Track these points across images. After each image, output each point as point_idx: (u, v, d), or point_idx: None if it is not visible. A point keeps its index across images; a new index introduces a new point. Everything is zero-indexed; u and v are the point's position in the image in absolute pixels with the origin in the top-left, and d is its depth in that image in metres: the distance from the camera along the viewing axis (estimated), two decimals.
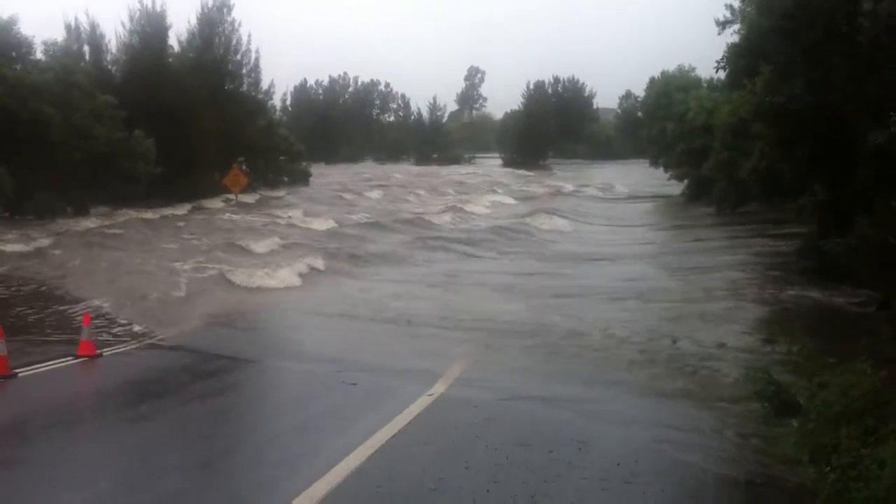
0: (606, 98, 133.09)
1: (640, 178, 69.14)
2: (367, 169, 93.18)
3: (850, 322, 14.55)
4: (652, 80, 65.47)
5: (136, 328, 14.79)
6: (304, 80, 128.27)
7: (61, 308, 16.67)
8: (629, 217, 42.15)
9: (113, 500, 7.27)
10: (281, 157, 57.28)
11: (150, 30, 44.26)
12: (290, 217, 35.61)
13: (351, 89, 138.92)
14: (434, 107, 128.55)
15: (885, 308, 14.59)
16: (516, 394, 10.69)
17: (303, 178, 59.49)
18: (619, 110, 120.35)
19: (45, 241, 25.39)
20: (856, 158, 15.71)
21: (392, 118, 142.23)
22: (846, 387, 8.78)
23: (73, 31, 43.39)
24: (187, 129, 41.08)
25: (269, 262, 22.57)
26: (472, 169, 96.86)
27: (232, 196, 41.40)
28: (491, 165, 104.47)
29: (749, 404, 9.78)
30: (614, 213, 44.55)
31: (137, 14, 44.12)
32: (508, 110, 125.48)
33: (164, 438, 8.91)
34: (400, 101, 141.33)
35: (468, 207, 43.33)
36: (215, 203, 40.71)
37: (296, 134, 64.50)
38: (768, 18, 15.89)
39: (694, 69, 56.81)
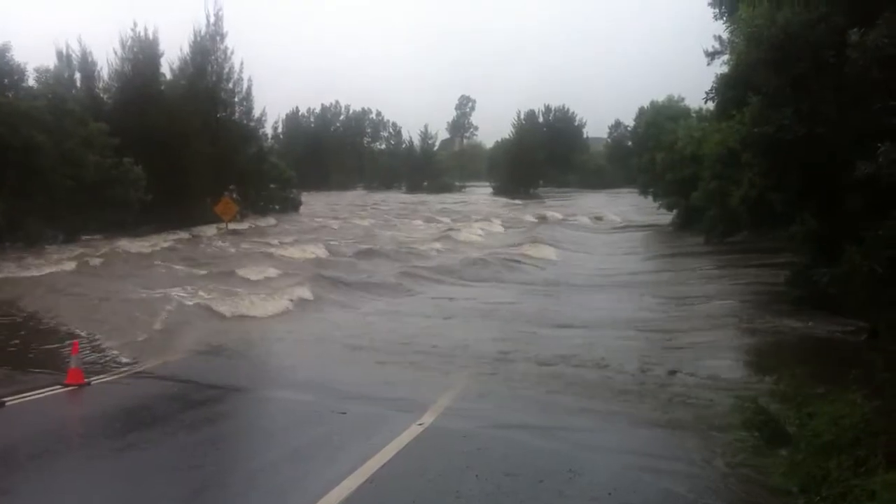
0: (596, 128, 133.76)
1: (630, 207, 69.39)
2: (358, 197, 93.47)
3: (841, 352, 14.58)
4: (641, 110, 65.81)
5: (125, 357, 14.72)
6: (296, 108, 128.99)
7: (50, 336, 16.60)
8: (619, 246, 42.23)
9: None
10: (272, 185, 57.40)
11: (143, 57, 44.46)
12: (280, 245, 35.58)
13: (342, 117, 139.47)
14: (425, 135, 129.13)
15: (875, 338, 14.61)
16: (506, 423, 10.67)
17: (293, 206, 59.59)
18: (608, 140, 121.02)
19: (34, 269, 25.32)
20: (844, 188, 15.79)
21: (383, 146, 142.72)
22: (837, 417, 8.79)
23: (64, 58, 43.57)
24: (179, 157, 41.18)
25: (259, 290, 22.52)
26: (463, 197, 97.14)
27: (223, 224, 41.40)
28: (481, 194, 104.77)
29: (739, 434, 9.77)
30: (604, 243, 44.63)
31: (130, 41, 44.40)
32: (499, 139, 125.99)
33: (153, 468, 8.85)
34: (391, 130, 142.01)
35: (458, 236, 43.35)
36: (206, 231, 40.69)
37: (287, 162, 64.73)
38: (756, 49, 15.99)
39: (683, 99, 57.04)
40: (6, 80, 33.26)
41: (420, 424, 10.27)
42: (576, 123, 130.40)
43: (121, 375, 13.46)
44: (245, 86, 52.40)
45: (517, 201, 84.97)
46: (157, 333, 16.94)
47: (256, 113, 55.27)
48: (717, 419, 10.71)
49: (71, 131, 33.26)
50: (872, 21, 13.54)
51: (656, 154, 48.57)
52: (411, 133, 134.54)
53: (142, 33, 44.63)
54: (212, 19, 49.95)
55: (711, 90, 19.13)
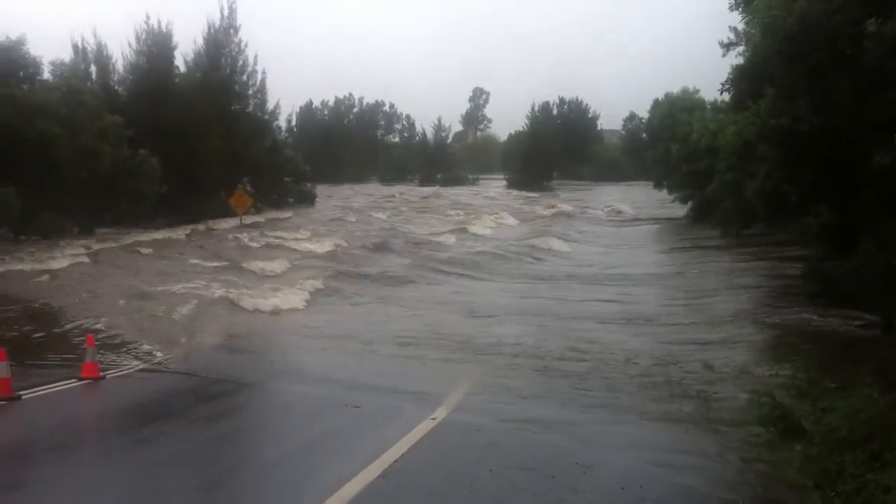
0: (610, 120, 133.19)
1: (645, 199, 69.11)
2: (372, 190, 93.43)
3: (855, 346, 14.51)
4: (656, 102, 65.37)
5: (140, 350, 14.79)
6: (310, 100, 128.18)
7: (65, 330, 16.67)
8: (633, 239, 42.13)
9: None
10: (286, 178, 57.36)
11: (157, 50, 44.42)
12: (295, 238, 35.60)
13: (356, 110, 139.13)
14: (439, 128, 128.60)
15: (889, 331, 14.54)
16: (519, 418, 10.67)
17: (308, 199, 59.53)
18: (622, 132, 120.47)
19: (50, 262, 25.40)
20: (860, 180, 15.72)
21: (397, 139, 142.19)
22: (852, 411, 8.75)
23: (80, 51, 43.57)
24: (193, 149, 41.20)
25: (274, 284, 22.59)
26: (477, 190, 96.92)
27: (238, 217, 41.47)
28: (495, 186, 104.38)
29: (753, 428, 9.75)
30: (618, 235, 44.52)
31: (144, 34, 44.28)
32: (513, 131, 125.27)
33: (168, 461, 8.89)
34: (405, 122, 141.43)
35: (472, 229, 43.34)
36: (221, 224, 40.73)
37: (301, 154, 64.55)
38: (772, 40, 15.89)
39: (698, 91, 56.70)
40: (21, 73, 33.32)
41: (433, 418, 10.29)
42: (590, 115, 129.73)
43: (136, 369, 13.52)
44: (259, 78, 52.36)
45: (531, 194, 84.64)
46: (171, 327, 17.00)
47: (270, 105, 55.23)
48: (731, 413, 10.69)
49: (86, 123, 33.28)
50: (890, 12, 13.45)
51: (671, 146, 48.36)
52: (425, 126, 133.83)
53: (156, 26, 44.56)
54: (226, 12, 49.87)
55: (727, 81, 18.97)
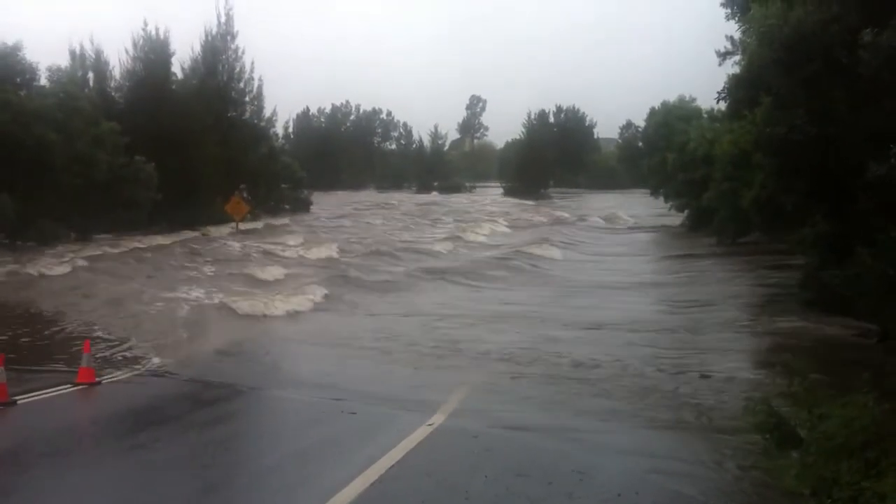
0: (607, 128, 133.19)
1: (641, 208, 69.19)
2: (369, 197, 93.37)
3: (852, 354, 14.52)
4: (652, 111, 65.41)
5: (136, 356, 14.76)
6: (307, 107, 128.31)
7: (61, 335, 16.66)
8: (630, 247, 42.16)
9: None
10: (283, 185, 57.40)
11: (154, 57, 44.47)
12: (291, 245, 35.62)
13: (353, 117, 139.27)
14: (435, 135, 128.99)
15: (886, 340, 14.56)
16: (515, 424, 10.65)
17: (305, 206, 59.58)
18: (619, 140, 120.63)
19: (47, 268, 25.38)
20: (856, 189, 15.73)
21: (393, 146, 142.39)
22: (848, 419, 8.74)
23: (77, 57, 43.61)
24: (190, 156, 41.22)
25: (270, 290, 22.58)
26: (474, 197, 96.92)
27: (234, 224, 41.45)
28: (492, 194, 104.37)
29: (749, 436, 9.73)
30: (615, 243, 44.55)
31: (141, 41, 44.36)
32: (510, 139, 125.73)
33: (163, 467, 8.85)
34: (401, 130, 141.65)
35: (469, 237, 43.38)
36: (217, 230, 40.75)
37: (298, 161, 64.61)
38: (768, 49, 15.91)
39: (694, 100, 56.79)
40: (18, 79, 33.32)
41: (429, 425, 10.27)
42: (586, 123, 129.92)
43: (131, 374, 13.48)
44: (256, 85, 52.52)
45: (528, 202, 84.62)
46: (168, 332, 17.00)
47: (267, 112, 55.40)
48: (727, 421, 10.68)
49: (82, 130, 33.30)
50: (886, 22, 13.47)
51: (668, 155, 48.44)
52: (421, 133, 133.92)
53: (153, 33, 44.65)
54: (223, 18, 50.05)
55: (723, 90, 19.02)
